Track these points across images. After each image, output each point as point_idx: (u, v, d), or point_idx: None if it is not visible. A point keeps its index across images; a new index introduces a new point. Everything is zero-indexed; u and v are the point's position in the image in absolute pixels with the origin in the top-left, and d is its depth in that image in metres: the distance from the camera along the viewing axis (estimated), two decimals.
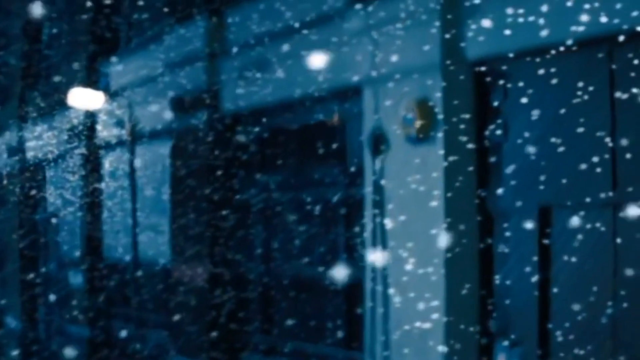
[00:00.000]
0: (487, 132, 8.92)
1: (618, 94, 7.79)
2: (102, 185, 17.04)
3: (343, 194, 10.87)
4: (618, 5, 7.38)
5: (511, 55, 8.47)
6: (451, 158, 8.92)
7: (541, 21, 8.03)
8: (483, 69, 8.84)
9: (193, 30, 13.01)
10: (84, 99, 15.62)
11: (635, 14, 7.30)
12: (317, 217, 11.39)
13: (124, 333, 16.06)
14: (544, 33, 8.05)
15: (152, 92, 14.50)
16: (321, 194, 11.29)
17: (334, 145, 10.98)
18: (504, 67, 8.66)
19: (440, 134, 8.93)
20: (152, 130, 14.84)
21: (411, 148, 9.21)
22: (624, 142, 7.74)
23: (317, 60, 10.61)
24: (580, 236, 8.14)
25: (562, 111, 8.22)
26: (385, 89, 9.46)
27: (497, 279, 8.89)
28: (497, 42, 8.47)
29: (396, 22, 9.22)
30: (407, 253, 9.30)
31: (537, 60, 8.35)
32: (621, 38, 7.58)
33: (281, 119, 11.96)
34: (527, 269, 8.57)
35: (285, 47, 11.26)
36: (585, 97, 8.02)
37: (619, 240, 7.82)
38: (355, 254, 10.55)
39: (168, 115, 13.88)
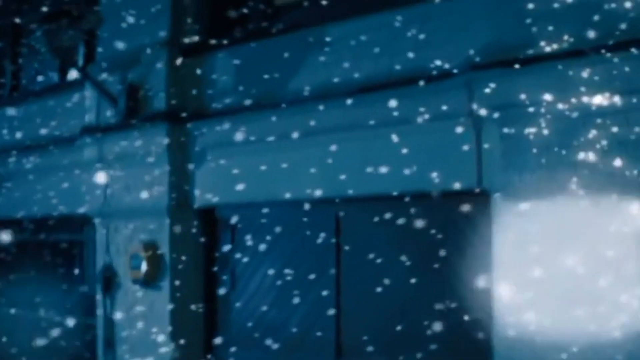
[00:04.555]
0: (215, 281, 7.80)
1: (343, 261, 6.85)
2: None
3: (79, 321, 9.53)
4: (342, 177, 6.49)
5: (240, 205, 7.47)
6: (177, 305, 7.80)
7: (273, 177, 7.06)
8: (212, 216, 7.76)
9: None
10: None
11: (355, 183, 6.47)
12: (54, 339, 10.00)
13: None
14: (273, 188, 7.09)
15: None
16: (59, 316, 9.92)
17: (72, 270, 9.68)
18: (234, 216, 7.62)
19: (167, 280, 7.82)
20: None
21: (139, 291, 8.05)
22: (347, 305, 6.77)
23: (56, 182, 9.33)
24: None
25: (288, 267, 7.24)
26: (115, 226, 8.28)
27: None
28: (226, 192, 7.49)
29: (127, 160, 8.04)
30: None
31: (267, 212, 7.36)
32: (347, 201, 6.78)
33: (24, 234, 10.53)
34: None
35: (28, 164, 9.89)
36: (312, 255, 7.08)
37: None
38: None
39: None
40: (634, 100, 5.17)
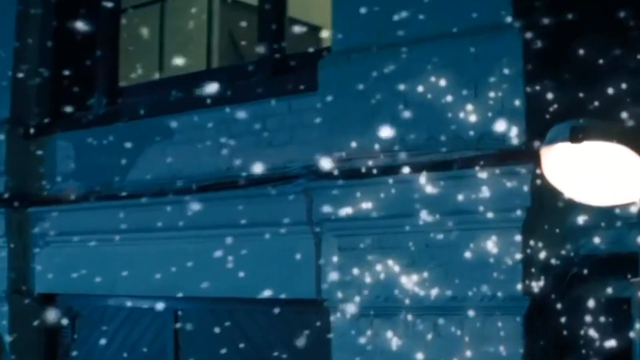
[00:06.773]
0: None
1: None
2: None
3: None
4: (181, 277, 6.03)
5: (80, 295, 6.88)
6: None
7: (112, 270, 6.48)
8: (54, 304, 7.13)
9: None
10: None
11: (193, 285, 5.97)
12: None
13: None
14: (112, 281, 6.50)
15: None
16: None
17: None
18: (74, 306, 7.01)
19: None
20: None
21: None
22: None
23: None
24: None
25: None
26: None
27: None
28: (66, 281, 6.88)
29: None
30: None
31: (107, 305, 6.79)
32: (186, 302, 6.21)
33: None
34: None
35: None
36: (151, 354, 6.53)
37: None
38: None
39: None
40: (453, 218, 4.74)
